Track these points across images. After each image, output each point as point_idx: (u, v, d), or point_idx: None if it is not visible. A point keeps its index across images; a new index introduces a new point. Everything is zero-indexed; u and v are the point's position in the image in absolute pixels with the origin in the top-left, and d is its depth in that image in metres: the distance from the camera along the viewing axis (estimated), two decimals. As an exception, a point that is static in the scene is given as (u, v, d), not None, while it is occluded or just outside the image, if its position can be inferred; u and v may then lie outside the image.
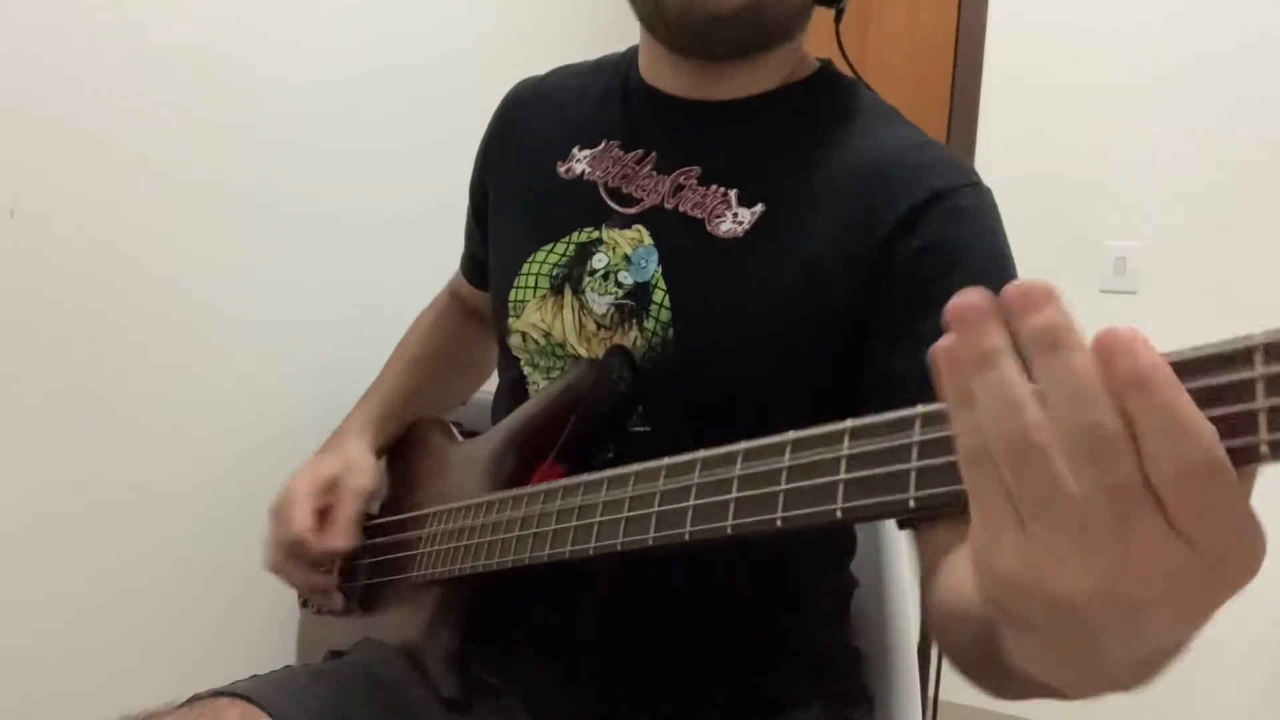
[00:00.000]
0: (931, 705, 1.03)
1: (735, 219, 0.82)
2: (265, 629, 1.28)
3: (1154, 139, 2.14)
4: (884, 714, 1.00)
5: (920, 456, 0.43)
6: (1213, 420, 0.33)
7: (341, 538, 0.92)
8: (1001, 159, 2.25)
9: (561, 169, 0.92)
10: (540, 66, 1.04)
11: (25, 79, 0.98)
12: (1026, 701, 0.57)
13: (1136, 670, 0.42)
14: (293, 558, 0.94)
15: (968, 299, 0.37)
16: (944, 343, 0.38)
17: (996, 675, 0.57)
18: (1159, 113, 2.13)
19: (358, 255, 1.46)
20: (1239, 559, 0.34)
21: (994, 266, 0.77)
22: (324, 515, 0.93)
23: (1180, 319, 2.07)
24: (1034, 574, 0.36)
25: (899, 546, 1.06)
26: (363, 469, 0.97)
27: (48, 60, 1.00)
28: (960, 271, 0.75)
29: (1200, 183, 2.10)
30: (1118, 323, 0.34)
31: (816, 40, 0.92)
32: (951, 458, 0.41)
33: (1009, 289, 0.36)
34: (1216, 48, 2.07)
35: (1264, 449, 0.32)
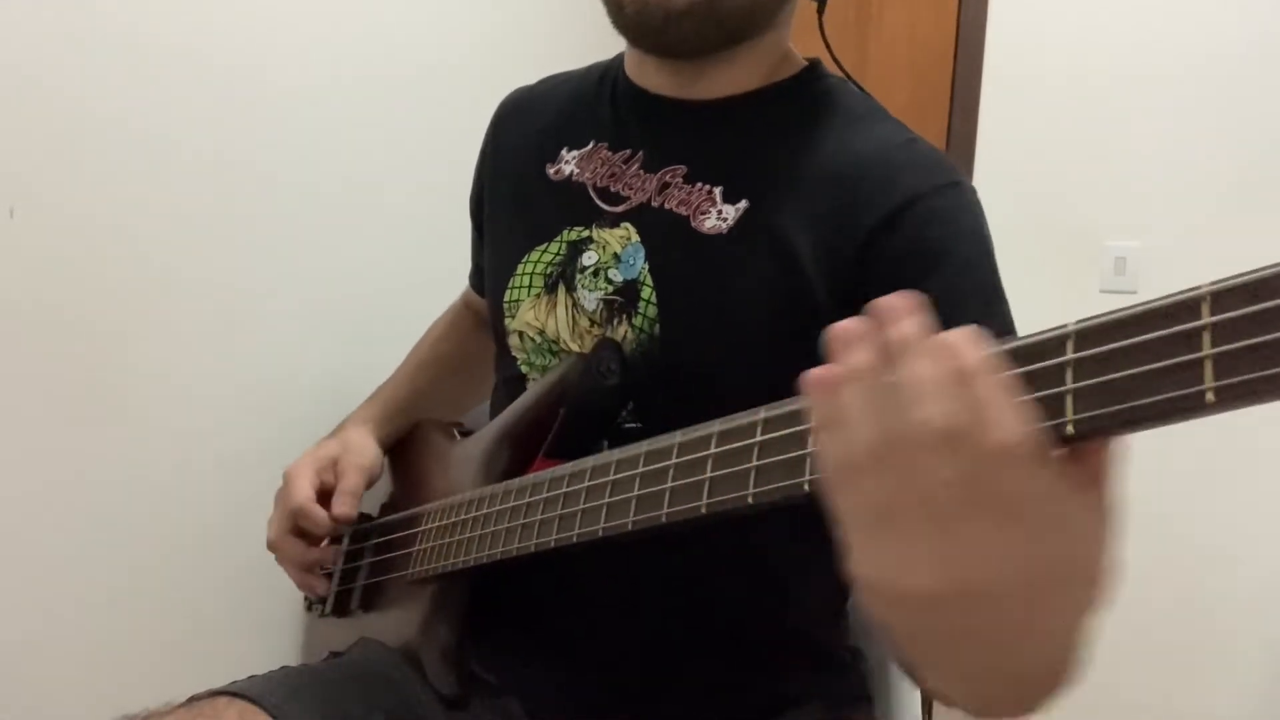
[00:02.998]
0: (930, 704, 1.02)
1: (720, 215, 0.82)
2: (265, 629, 1.28)
3: (1154, 139, 2.13)
4: (884, 712, 0.99)
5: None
6: (1161, 370, 0.33)
7: (343, 506, 0.93)
8: (1001, 159, 2.25)
9: (551, 171, 0.94)
10: (552, 68, 1.05)
11: (26, 79, 0.99)
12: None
13: (1021, 686, 0.47)
14: (293, 533, 0.94)
15: (843, 324, 0.42)
16: (815, 371, 0.43)
17: None
18: (1159, 113, 2.12)
19: (360, 256, 1.47)
20: (1073, 543, 0.38)
21: (973, 269, 0.77)
22: (326, 494, 0.94)
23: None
24: (882, 575, 0.41)
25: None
26: (363, 449, 0.99)
27: (48, 59, 1.01)
28: (939, 275, 0.74)
29: (1200, 182, 2.10)
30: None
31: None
32: None
33: (875, 305, 0.41)
34: (1217, 48, 2.06)
35: (1210, 396, 0.32)
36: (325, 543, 0.98)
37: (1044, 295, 1.77)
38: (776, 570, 0.89)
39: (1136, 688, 2.12)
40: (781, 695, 0.89)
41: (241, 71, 1.24)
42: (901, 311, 0.40)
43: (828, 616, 0.96)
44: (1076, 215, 2.19)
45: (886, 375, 0.39)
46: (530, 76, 1.05)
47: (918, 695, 1.01)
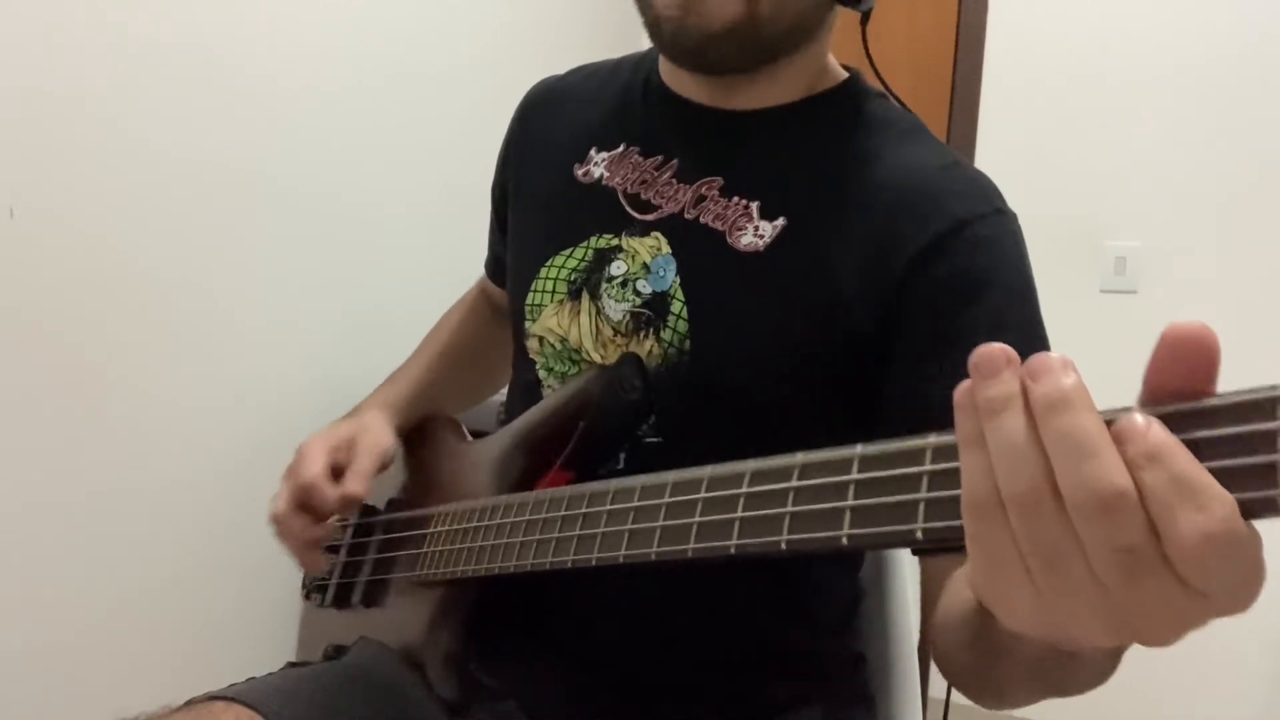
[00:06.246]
0: (944, 707, 1.03)
1: (756, 232, 0.81)
2: (265, 629, 1.28)
3: (1154, 139, 2.13)
4: (885, 714, 1.00)
5: (930, 488, 0.43)
6: (1233, 470, 0.33)
7: (354, 484, 0.90)
8: (1001, 159, 2.24)
9: (579, 172, 0.92)
10: (553, 66, 1.04)
11: (26, 78, 0.98)
12: (1030, 704, 0.59)
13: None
14: (299, 507, 0.91)
15: (990, 348, 0.38)
16: (965, 384, 0.39)
17: (995, 681, 0.61)
18: (1159, 113, 2.12)
19: (360, 255, 1.46)
20: (1246, 597, 0.35)
21: (1014, 300, 0.77)
22: (337, 474, 0.91)
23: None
24: (1050, 624, 0.38)
25: (901, 552, 1.06)
26: (378, 433, 0.96)
27: (48, 59, 1.00)
28: (980, 304, 0.74)
29: (1200, 183, 2.10)
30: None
31: (851, 44, 0.91)
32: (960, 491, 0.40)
33: (1031, 359, 0.37)
34: (1217, 48, 2.06)
35: (1284, 502, 0.32)
36: (331, 520, 0.95)
37: (1044, 295, 1.78)
38: (789, 585, 0.88)
39: (1136, 688, 2.15)
40: (783, 699, 0.89)
41: (240, 72, 1.22)
42: (1058, 365, 0.36)
43: (836, 628, 0.96)
44: (1076, 215, 2.18)
45: (1052, 420, 0.35)
46: (538, 74, 1.04)
47: (919, 697, 1.02)
